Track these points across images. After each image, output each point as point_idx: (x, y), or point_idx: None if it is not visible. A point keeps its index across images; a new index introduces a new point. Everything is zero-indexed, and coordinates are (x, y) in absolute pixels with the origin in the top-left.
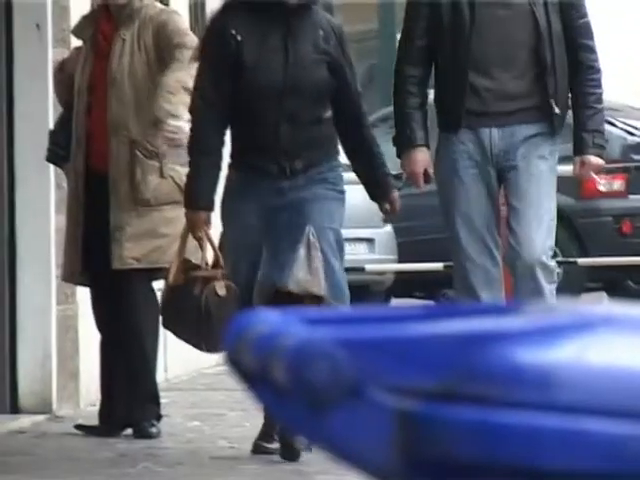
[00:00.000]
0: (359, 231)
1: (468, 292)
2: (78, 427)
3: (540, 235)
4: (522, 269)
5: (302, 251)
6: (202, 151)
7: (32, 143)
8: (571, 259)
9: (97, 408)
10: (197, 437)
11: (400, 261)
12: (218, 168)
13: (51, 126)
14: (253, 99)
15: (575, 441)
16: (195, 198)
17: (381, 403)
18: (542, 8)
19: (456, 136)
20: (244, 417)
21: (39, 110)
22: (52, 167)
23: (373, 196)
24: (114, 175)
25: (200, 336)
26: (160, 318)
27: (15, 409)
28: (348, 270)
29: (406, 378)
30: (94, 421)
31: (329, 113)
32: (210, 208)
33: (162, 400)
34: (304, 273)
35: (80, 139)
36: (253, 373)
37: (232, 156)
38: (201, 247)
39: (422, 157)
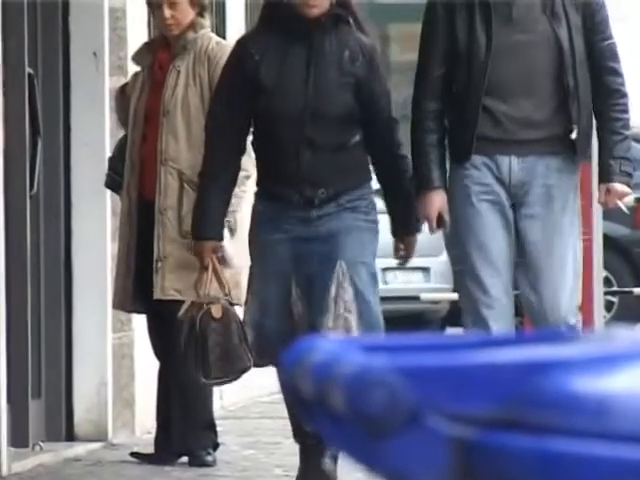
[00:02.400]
0: (414, 260)
1: (479, 325)
2: (134, 455)
3: (565, 295)
4: (538, 316)
5: (332, 291)
6: (209, 176)
7: (89, 171)
8: (626, 289)
9: (153, 436)
10: (252, 465)
11: (455, 290)
12: (226, 194)
13: (108, 154)
14: (271, 124)
15: (630, 470)
16: (201, 227)
17: (439, 431)
18: (565, 31)
19: (469, 162)
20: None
21: (96, 138)
22: (108, 195)
23: (394, 232)
24: (161, 205)
25: (197, 363)
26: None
27: (71, 437)
28: (403, 299)
29: (464, 406)
30: (150, 449)
31: (357, 138)
32: (217, 237)
33: (218, 428)
34: (332, 320)
35: (134, 166)
36: (310, 400)
37: (257, 184)
38: (203, 278)
39: (438, 200)
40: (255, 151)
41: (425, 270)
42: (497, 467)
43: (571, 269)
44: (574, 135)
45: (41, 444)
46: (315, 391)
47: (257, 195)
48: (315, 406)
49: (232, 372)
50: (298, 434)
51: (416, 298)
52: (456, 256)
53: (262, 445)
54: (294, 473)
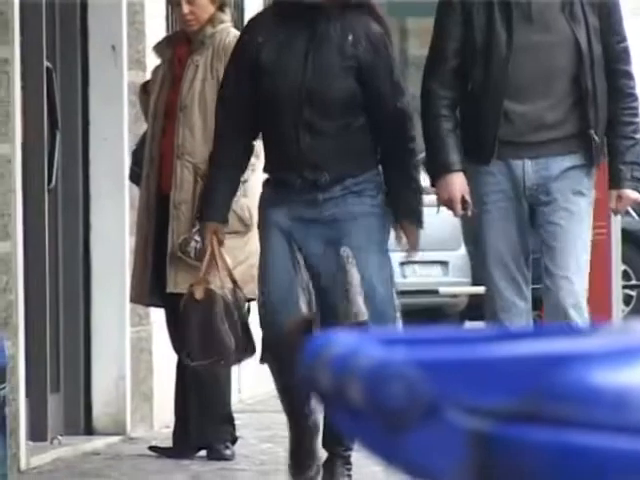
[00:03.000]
0: (433, 254)
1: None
2: (152, 449)
3: (578, 278)
4: (556, 310)
5: (337, 277)
6: (216, 164)
7: (107, 165)
8: None
9: (171, 429)
10: (270, 459)
11: (474, 284)
12: (233, 182)
13: (127, 147)
14: (272, 107)
15: None
16: (205, 210)
17: (457, 424)
18: (584, 32)
19: (486, 167)
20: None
21: (114, 132)
22: (127, 189)
23: (396, 217)
24: (176, 200)
25: (180, 344)
26: None
27: (89, 431)
28: (422, 293)
29: (482, 399)
30: (168, 443)
31: (361, 122)
32: (221, 220)
33: (236, 422)
34: (341, 302)
35: (153, 160)
36: (329, 393)
37: (264, 170)
38: (203, 259)
39: (460, 182)
40: (262, 137)
41: (444, 264)
42: (516, 460)
43: (584, 253)
44: (595, 142)
45: (60, 438)
46: (333, 384)
47: (264, 181)
48: (333, 399)
49: (212, 355)
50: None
51: (435, 292)
52: (474, 254)
53: (280, 439)
54: None
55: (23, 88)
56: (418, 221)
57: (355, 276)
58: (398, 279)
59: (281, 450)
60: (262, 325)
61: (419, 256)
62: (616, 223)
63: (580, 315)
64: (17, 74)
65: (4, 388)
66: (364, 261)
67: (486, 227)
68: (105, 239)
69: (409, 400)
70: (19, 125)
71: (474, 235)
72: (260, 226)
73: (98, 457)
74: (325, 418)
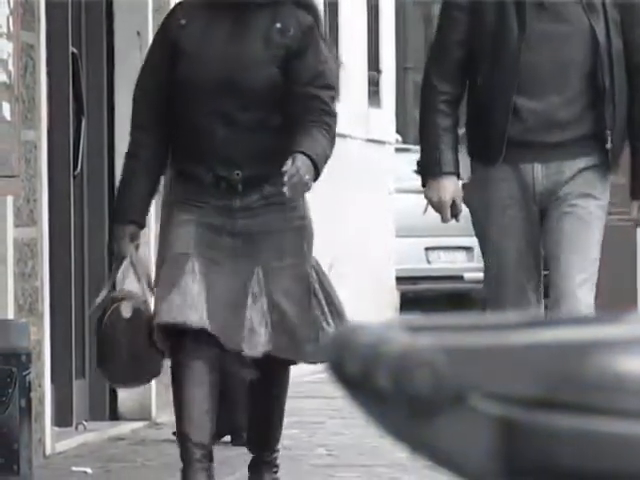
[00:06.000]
0: (458, 240)
1: None
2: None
3: (584, 291)
4: None
5: (250, 306)
6: (131, 154)
7: None
8: None
9: None
10: (296, 445)
11: None
12: (152, 174)
13: None
14: (186, 94)
15: None
16: (121, 210)
17: (483, 411)
18: (603, 25)
19: (494, 170)
20: (343, 425)
21: None
22: None
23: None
24: None
25: (102, 365)
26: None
27: (115, 416)
28: (447, 278)
29: (508, 386)
30: None
31: (278, 119)
32: (138, 222)
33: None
34: (254, 336)
35: None
36: (354, 380)
37: (172, 162)
38: (120, 268)
39: (451, 186)
40: (170, 127)
41: (469, 250)
42: (541, 448)
43: (592, 265)
44: (609, 145)
45: (85, 423)
46: (359, 371)
47: (170, 174)
48: (360, 386)
49: (140, 377)
50: (181, 440)
51: (460, 278)
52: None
53: (305, 424)
54: (337, 452)
55: (49, 74)
56: (310, 156)
57: (263, 302)
58: (423, 265)
59: (306, 436)
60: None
61: (444, 242)
62: None
63: None
64: (43, 60)
65: (29, 374)
66: (275, 283)
67: (493, 238)
68: None
69: (435, 387)
70: (45, 111)
71: (481, 241)
72: (162, 224)
73: (123, 442)
74: (251, 420)
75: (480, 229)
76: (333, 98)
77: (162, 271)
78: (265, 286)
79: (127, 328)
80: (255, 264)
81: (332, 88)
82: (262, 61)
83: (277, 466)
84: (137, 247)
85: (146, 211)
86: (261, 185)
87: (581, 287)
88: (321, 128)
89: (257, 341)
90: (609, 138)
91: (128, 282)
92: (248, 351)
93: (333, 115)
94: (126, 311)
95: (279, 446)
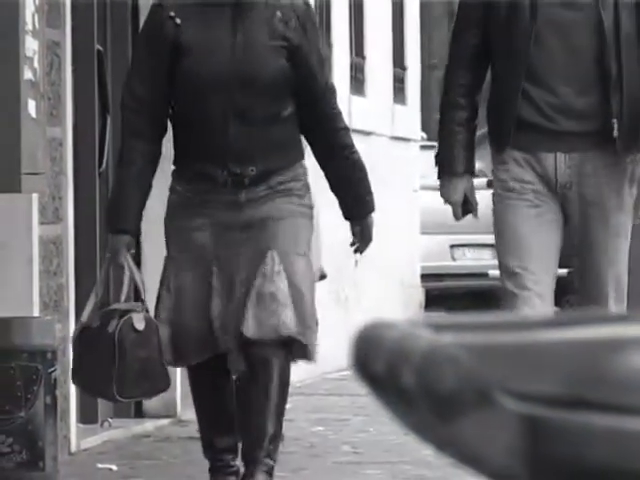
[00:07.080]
0: (483, 237)
1: None
2: None
3: (618, 301)
4: None
5: (261, 286)
6: (123, 160)
7: None
8: None
9: None
10: (321, 442)
11: None
12: (144, 180)
13: None
14: (196, 93)
15: None
16: (116, 219)
17: (509, 409)
18: (611, 9)
19: (509, 155)
20: (368, 422)
21: None
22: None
23: (345, 214)
24: None
25: (110, 379)
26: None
27: (140, 413)
28: (472, 276)
29: (534, 385)
30: None
31: (290, 110)
32: (133, 232)
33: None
34: (264, 315)
35: None
36: (379, 378)
37: (175, 163)
38: (122, 277)
39: (461, 185)
40: (174, 126)
41: (494, 247)
42: (568, 446)
43: (624, 273)
44: (615, 132)
45: (110, 420)
46: (384, 369)
47: (175, 175)
48: (385, 385)
49: (150, 390)
50: (208, 451)
51: (485, 275)
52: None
53: (330, 422)
54: (362, 450)
55: (74, 71)
56: (369, 211)
57: (280, 286)
58: (448, 262)
59: (331, 433)
60: (172, 353)
61: (469, 239)
62: None
63: None
64: (68, 57)
65: (55, 370)
66: (293, 267)
67: (511, 237)
68: (154, 221)
69: (460, 385)
70: (70, 108)
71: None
72: (169, 230)
73: (148, 439)
74: (244, 422)
75: (499, 227)
76: (336, 99)
77: (173, 276)
78: (284, 270)
79: (139, 340)
80: (268, 248)
81: (334, 91)
82: (270, 51)
83: (272, 466)
84: (132, 256)
85: (141, 219)
86: (270, 177)
87: (615, 300)
88: (348, 159)
89: (278, 322)
90: (615, 126)
91: (125, 293)
92: (253, 334)
93: (346, 128)
94: (139, 323)
95: (279, 447)
